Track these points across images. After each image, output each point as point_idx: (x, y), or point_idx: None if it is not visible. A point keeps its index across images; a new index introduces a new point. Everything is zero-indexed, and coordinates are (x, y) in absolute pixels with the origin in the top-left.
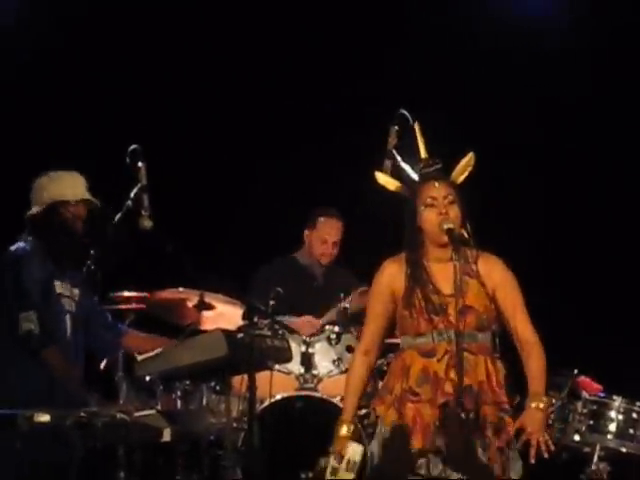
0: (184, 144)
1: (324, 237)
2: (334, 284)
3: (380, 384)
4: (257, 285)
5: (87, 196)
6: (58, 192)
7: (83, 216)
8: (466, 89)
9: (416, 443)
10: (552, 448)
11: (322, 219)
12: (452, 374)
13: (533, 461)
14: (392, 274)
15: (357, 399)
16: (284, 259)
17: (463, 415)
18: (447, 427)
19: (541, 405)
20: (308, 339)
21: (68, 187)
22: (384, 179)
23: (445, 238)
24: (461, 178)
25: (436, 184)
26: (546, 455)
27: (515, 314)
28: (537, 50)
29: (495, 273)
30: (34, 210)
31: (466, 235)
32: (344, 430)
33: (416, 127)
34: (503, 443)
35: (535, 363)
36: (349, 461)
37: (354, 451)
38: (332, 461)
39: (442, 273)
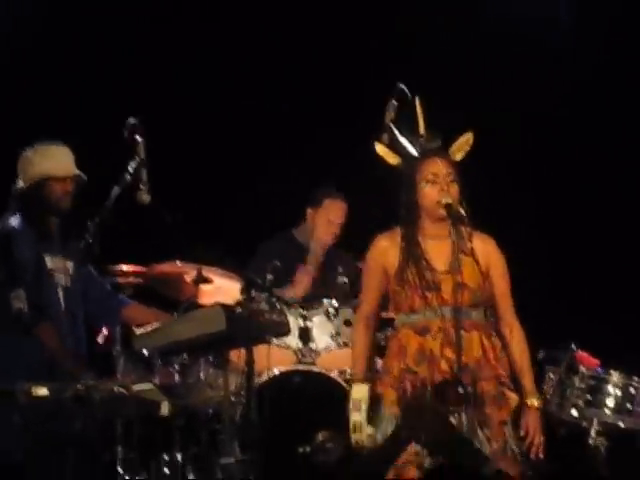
0: (183, 118)
1: (330, 218)
2: (330, 262)
3: (378, 361)
4: (255, 260)
5: (76, 171)
6: (47, 167)
7: (72, 191)
8: (466, 75)
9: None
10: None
11: (328, 200)
12: (447, 352)
13: (534, 457)
14: (384, 249)
15: (366, 362)
16: (283, 236)
17: (462, 390)
18: (444, 405)
19: (536, 403)
20: (306, 313)
21: (57, 162)
22: (383, 151)
23: (443, 213)
24: (459, 156)
25: (438, 161)
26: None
27: (503, 297)
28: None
29: (490, 254)
30: (22, 185)
31: (463, 213)
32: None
33: (416, 102)
34: (505, 416)
35: (523, 355)
36: (355, 423)
37: (358, 391)
38: (353, 417)
39: (437, 250)
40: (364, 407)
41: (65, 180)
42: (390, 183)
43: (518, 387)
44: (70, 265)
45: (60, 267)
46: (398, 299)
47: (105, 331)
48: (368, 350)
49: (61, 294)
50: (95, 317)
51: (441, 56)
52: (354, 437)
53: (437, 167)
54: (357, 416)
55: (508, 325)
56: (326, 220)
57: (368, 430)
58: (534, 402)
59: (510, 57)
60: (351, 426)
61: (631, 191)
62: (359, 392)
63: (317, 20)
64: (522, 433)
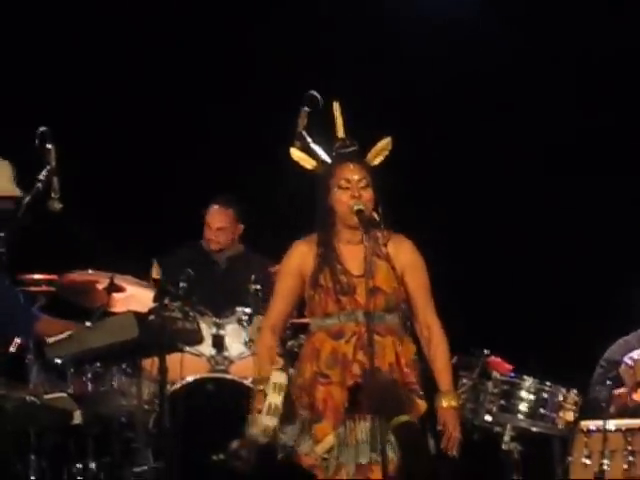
0: (93, 126)
1: (208, 223)
2: (238, 269)
3: (292, 369)
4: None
5: (17, 192)
6: None
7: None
8: (386, 77)
9: (326, 427)
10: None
11: (210, 206)
12: (360, 356)
13: (454, 453)
14: (302, 254)
15: (269, 364)
16: (189, 246)
17: (369, 397)
18: (355, 409)
19: (453, 403)
20: (219, 320)
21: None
22: (299, 156)
23: (355, 219)
24: (376, 161)
25: (351, 166)
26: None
27: (421, 297)
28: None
29: (404, 255)
30: None
31: (376, 217)
32: (260, 386)
33: (335, 106)
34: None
35: (441, 356)
36: (270, 404)
37: (277, 376)
38: (252, 415)
39: (352, 254)
40: (283, 393)
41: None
42: (307, 189)
43: (428, 394)
44: None
45: None
46: (313, 303)
47: (18, 340)
48: (273, 355)
49: None
50: (7, 328)
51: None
52: (265, 420)
53: (349, 172)
54: (276, 398)
55: (427, 326)
56: (207, 225)
57: (272, 422)
58: (452, 402)
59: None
60: (266, 407)
61: (542, 194)
62: (280, 377)
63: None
64: (439, 428)
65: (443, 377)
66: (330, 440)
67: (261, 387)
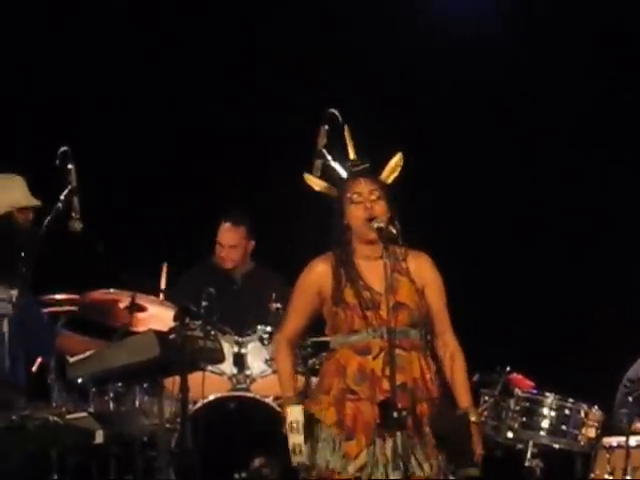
0: (114, 146)
1: (219, 241)
2: (254, 287)
3: (313, 384)
4: (179, 287)
5: (35, 202)
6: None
7: (30, 221)
8: (397, 89)
9: (357, 444)
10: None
11: (221, 224)
12: (388, 371)
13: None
14: (320, 273)
15: (293, 382)
16: (204, 264)
17: (396, 414)
18: (386, 425)
19: (474, 418)
20: (240, 339)
21: (20, 192)
22: (310, 180)
23: (373, 235)
24: (391, 178)
25: (362, 180)
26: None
27: (439, 315)
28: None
29: (425, 271)
30: None
31: (394, 232)
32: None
33: (345, 129)
34: None
35: (460, 373)
36: (294, 446)
37: (293, 412)
38: (292, 440)
39: (372, 270)
40: (301, 428)
41: (27, 210)
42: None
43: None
44: (13, 293)
45: (4, 296)
46: (337, 320)
47: (39, 359)
48: (293, 369)
49: (5, 323)
50: (31, 348)
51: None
52: (295, 459)
53: (360, 187)
54: (296, 438)
55: (446, 344)
56: (218, 243)
57: (301, 459)
58: (472, 417)
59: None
60: (291, 449)
61: (568, 215)
62: (294, 414)
63: (242, 42)
64: None
65: (462, 394)
66: (363, 458)
67: (293, 418)
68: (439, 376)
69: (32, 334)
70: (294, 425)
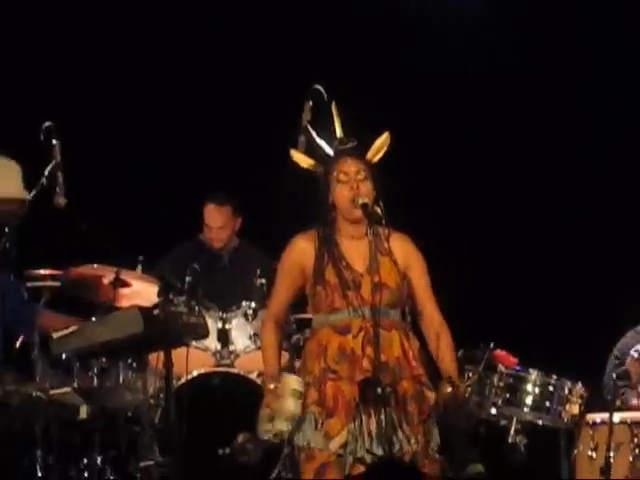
0: (99, 121)
1: (207, 223)
2: (240, 263)
3: (297, 362)
4: (167, 261)
5: (26, 196)
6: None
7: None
8: (386, 72)
9: (338, 422)
10: None
11: (206, 206)
12: (369, 350)
13: None
14: (303, 249)
15: (278, 359)
16: (191, 241)
17: (380, 391)
18: (366, 403)
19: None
20: (224, 315)
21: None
22: (297, 156)
23: (358, 213)
24: (377, 157)
25: (349, 160)
26: None
27: (423, 293)
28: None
29: (406, 252)
30: None
31: (379, 212)
32: (272, 385)
33: (332, 106)
34: (425, 415)
35: (447, 348)
36: (289, 411)
37: (292, 381)
38: (263, 415)
39: (355, 250)
40: (300, 400)
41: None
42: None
43: (435, 385)
44: None
45: None
46: (318, 299)
47: (22, 335)
48: (279, 346)
49: None
50: (12, 325)
51: (356, 55)
52: (280, 425)
53: (347, 166)
54: (295, 406)
55: (431, 321)
56: (206, 225)
57: (287, 427)
58: (456, 389)
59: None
60: (284, 412)
61: (550, 192)
62: (297, 384)
63: (229, 23)
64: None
65: (448, 366)
66: (344, 435)
67: (272, 385)
68: (425, 354)
69: (11, 311)
70: (294, 394)
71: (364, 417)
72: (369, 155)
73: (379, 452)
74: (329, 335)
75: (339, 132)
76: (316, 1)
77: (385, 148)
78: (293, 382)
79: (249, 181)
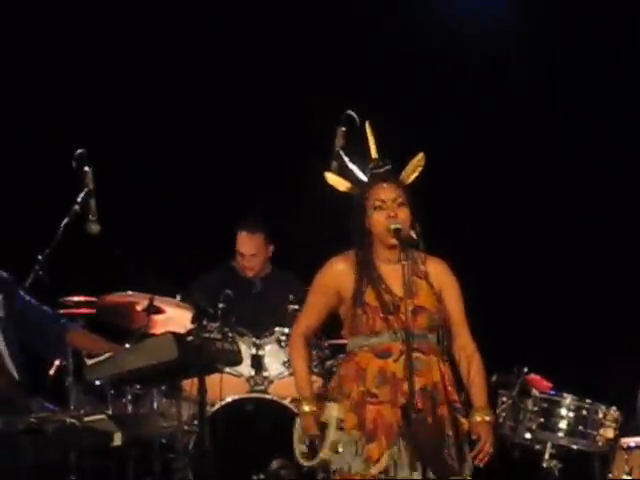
0: (131, 148)
1: (239, 250)
2: (273, 290)
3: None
4: (198, 288)
5: None
6: None
7: None
8: (410, 90)
9: (378, 447)
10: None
11: (238, 233)
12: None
13: (482, 465)
14: (341, 271)
15: (309, 380)
16: (223, 267)
17: (415, 416)
18: (409, 427)
19: (487, 418)
20: (258, 341)
21: None
22: (333, 179)
23: (393, 239)
24: (411, 178)
25: (385, 185)
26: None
27: (458, 318)
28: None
29: (442, 276)
30: None
31: (414, 236)
32: (307, 407)
33: (367, 126)
34: (459, 441)
35: (476, 374)
36: (333, 442)
37: (334, 409)
38: (300, 441)
39: (392, 274)
40: (341, 428)
41: None
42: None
43: (468, 411)
44: None
45: None
46: (357, 322)
47: (57, 362)
48: (310, 368)
49: None
50: (41, 345)
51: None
52: (324, 455)
53: (384, 193)
54: (338, 435)
55: (463, 347)
56: (238, 253)
57: (330, 456)
58: (485, 417)
59: (457, 72)
60: (328, 443)
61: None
62: (340, 412)
63: (259, 47)
64: (474, 438)
65: (478, 394)
66: (385, 460)
67: (307, 408)
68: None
69: (37, 330)
70: (338, 422)
71: (403, 442)
72: (403, 176)
73: (419, 477)
74: (368, 358)
75: (373, 153)
76: (346, 25)
77: (420, 169)
78: (335, 410)
79: (281, 207)
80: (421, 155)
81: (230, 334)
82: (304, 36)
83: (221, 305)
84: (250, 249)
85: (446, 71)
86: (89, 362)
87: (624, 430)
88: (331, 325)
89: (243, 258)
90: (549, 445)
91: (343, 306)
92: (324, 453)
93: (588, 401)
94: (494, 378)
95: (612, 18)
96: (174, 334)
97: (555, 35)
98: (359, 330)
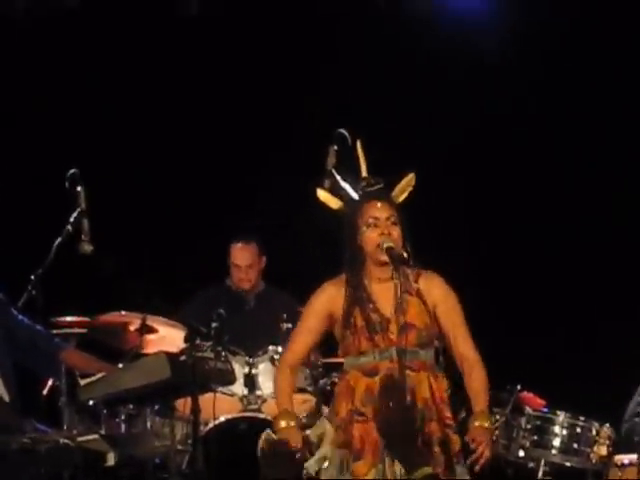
0: (123, 167)
1: (235, 262)
2: (266, 307)
3: (325, 408)
4: (191, 307)
5: None
6: None
7: None
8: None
9: (365, 464)
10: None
11: (232, 245)
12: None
13: (478, 468)
14: (332, 295)
15: (291, 401)
16: (216, 286)
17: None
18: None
19: (486, 424)
20: (251, 360)
21: None
22: (325, 197)
23: (385, 257)
24: (401, 197)
25: (378, 204)
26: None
27: (456, 331)
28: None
29: (435, 290)
30: None
31: (405, 255)
32: (287, 423)
33: (358, 145)
34: (449, 458)
35: (477, 381)
36: (324, 456)
37: (323, 424)
38: (324, 451)
39: (383, 292)
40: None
41: None
42: (334, 227)
43: (461, 428)
44: None
45: None
46: (346, 343)
47: (50, 382)
48: (292, 389)
49: None
50: (35, 364)
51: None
52: (311, 468)
53: (377, 211)
54: (328, 450)
55: (465, 357)
56: (233, 265)
57: (315, 469)
58: (483, 422)
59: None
60: (319, 456)
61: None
62: (327, 427)
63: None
64: (471, 446)
65: (477, 400)
66: (371, 477)
67: (285, 424)
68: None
69: (28, 348)
70: (328, 438)
71: (389, 460)
72: (394, 195)
73: None
74: (357, 377)
75: (364, 171)
76: (338, 46)
77: (410, 189)
78: (328, 427)
79: (271, 223)
80: (411, 175)
81: (223, 353)
82: (307, 54)
83: (214, 324)
84: (246, 260)
85: (442, 80)
86: (83, 382)
87: (618, 447)
88: (326, 344)
89: (239, 270)
90: (543, 463)
91: (337, 328)
92: (311, 465)
93: (581, 418)
94: None
95: (611, 20)
96: (167, 354)
97: (554, 38)
98: (348, 351)
